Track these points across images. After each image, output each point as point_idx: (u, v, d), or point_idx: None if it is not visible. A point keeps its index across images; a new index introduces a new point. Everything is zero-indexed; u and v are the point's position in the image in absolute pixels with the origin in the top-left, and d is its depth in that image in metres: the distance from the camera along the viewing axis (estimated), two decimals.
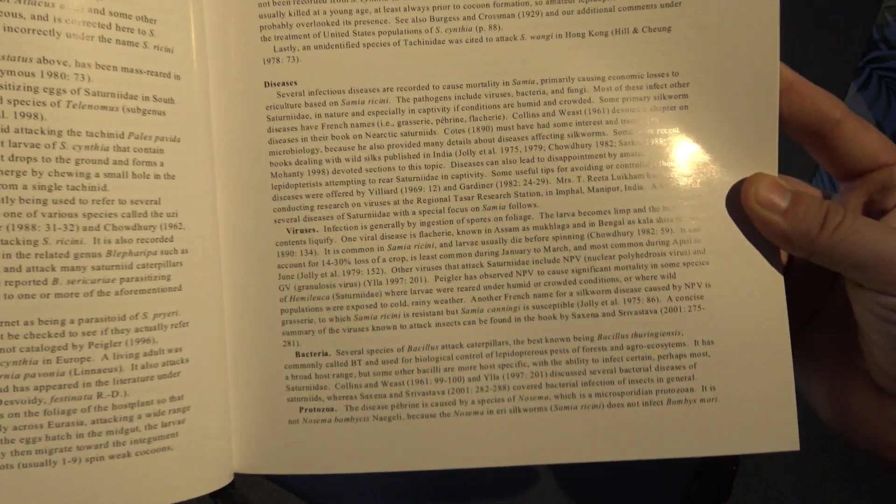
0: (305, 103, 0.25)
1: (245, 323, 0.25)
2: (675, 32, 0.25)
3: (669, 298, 0.25)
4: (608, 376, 0.25)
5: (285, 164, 0.25)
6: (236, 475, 0.25)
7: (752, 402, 0.25)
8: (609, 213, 0.25)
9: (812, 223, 0.23)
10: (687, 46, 0.25)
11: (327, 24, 0.25)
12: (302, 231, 0.25)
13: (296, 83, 0.25)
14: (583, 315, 0.25)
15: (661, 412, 0.25)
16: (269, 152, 0.25)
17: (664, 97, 0.25)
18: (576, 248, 0.25)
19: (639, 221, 0.25)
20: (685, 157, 0.25)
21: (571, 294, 0.25)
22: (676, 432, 0.25)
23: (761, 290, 0.25)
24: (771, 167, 0.25)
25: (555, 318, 0.25)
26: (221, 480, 0.25)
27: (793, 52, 0.43)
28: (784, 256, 0.27)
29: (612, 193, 0.25)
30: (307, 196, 0.25)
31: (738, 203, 0.25)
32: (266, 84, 0.25)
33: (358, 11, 0.25)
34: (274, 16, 0.25)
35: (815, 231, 0.23)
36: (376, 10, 0.25)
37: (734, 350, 0.25)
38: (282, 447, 0.25)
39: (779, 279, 0.25)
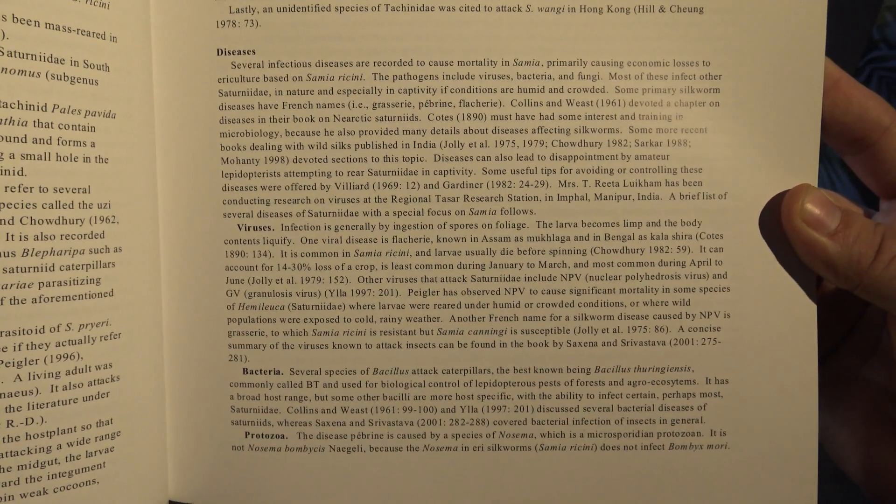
0: (265, 77, 0.21)
1: (186, 334, 0.22)
2: (707, 15, 0.21)
3: (681, 329, 0.22)
4: (604, 414, 0.22)
5: (238, 148, 0.21)
6: (171, 503, 0.22)
7: (767, 454, 0.22)
8: (618, 225, 0.21)
9: (865, 250, 0.20)
10: (721, 32, 0.21)
11: None
12: (255, 228, 0.21)
13: (254, 52, 0.21)
14: (579, 343, 0.22)
15: (663, 458, 0.22)
16: (219, 133, 0.21)
17: (692, 90, 0.21)
18: (576, 265, 0.21)
19: (651, 237, 0.21)
20: (712, 163, 0.21)
21: (567, 318, 0.21)
22: (678, 481, 0.22)
23: (789, 324, 0.21)
24: (812, 178, 0.21)
25: (546, 345, 0.22)
26: None
27: None
28: None
29: (623, 202, 0.21)
30: (263, 188, 0.21)
31: (772, 219, 0.21)
32: (219, 52, 0.21)
33: None
34: None
35: (868, 260, 0.20)
36: None
37: (751, 392, 0.22)
38: (224, 476, 0.22)
39: (811, 313, 0.21)
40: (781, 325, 0.21)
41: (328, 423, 0.22)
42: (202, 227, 0.21)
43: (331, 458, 0.22)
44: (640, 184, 0.21)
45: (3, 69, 0.17)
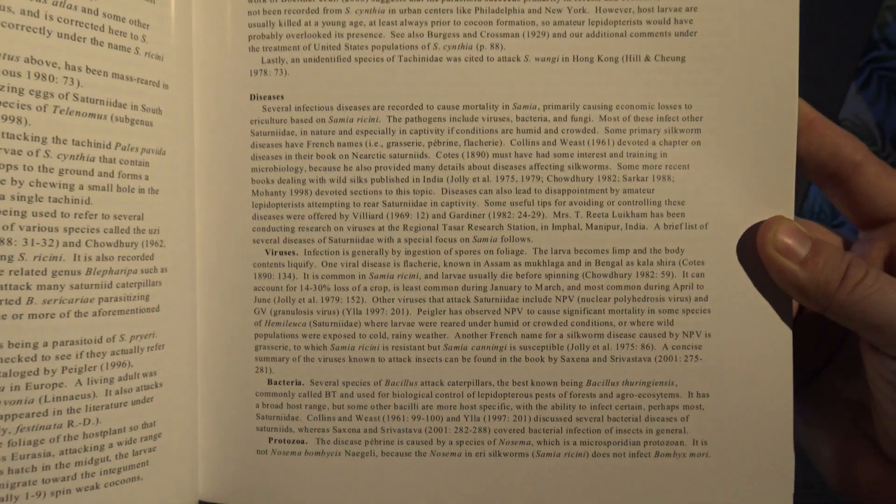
0: (291, 119, 0.24)
1: (218, 346, 0.24)
2: (689, 63, 0.23)
3: (665, 346, 0.24)
4: (595, 424, 0.24)
5: (267, 181, 0.24)
6: (200, 502, 0.24)
7: (745, 462, 0.24)
8: (607, 252, 0.24)
9: (832, 276, 0.22)
10: (701, 78, 0.23)
11: (319, 35, 0.24)
12: (281, 253, 0.24)
13: (282, 97, 0.24)
14: (572, 359, 0.24)
15: (649, 465, 0.24)
16: (251, 169, 0.24)
17: (675, 130, 0.24)
18: (569, 288, 0.24)
19: (638, 263, 0.24)
20: (694, 197, 0.24)
21: (561, 336, 0.24)
22: (663, 486, 0.24)
23: (766, 344, 0.23)
24: (788, 210, 0.24)
25: (542, 360, 0.24)
26: None
27: None
28: (795, 307, 0.25)
29: (612, 232, 0.24)
30: (288, 217, 0.24)
31: (749, 248, 0.23)
32: (252, 97, 0.24)
33: (352, 24, 0.24)
34: (263, 25, 0.24)
35: (834, 285, 0.22)
36: (371, 23, 0.24)
37: (731, 406, 0.24)
38: (249, 478, 0.24)
39: (787, 334, 0.23)
40: (759, 343, 0.23)
41: (344, 429, 0.24)
42: (234, 252, 0.24)
43: (346, 462, 0.24)
44: (627, 215, 0.24)
45: (77, 112, 0.20)
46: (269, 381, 0.24)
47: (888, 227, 0.24)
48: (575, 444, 0.24)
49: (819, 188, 0.25)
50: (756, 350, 0.23)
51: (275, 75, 0.24)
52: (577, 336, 0.24)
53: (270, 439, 0.24)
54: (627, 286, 0.24)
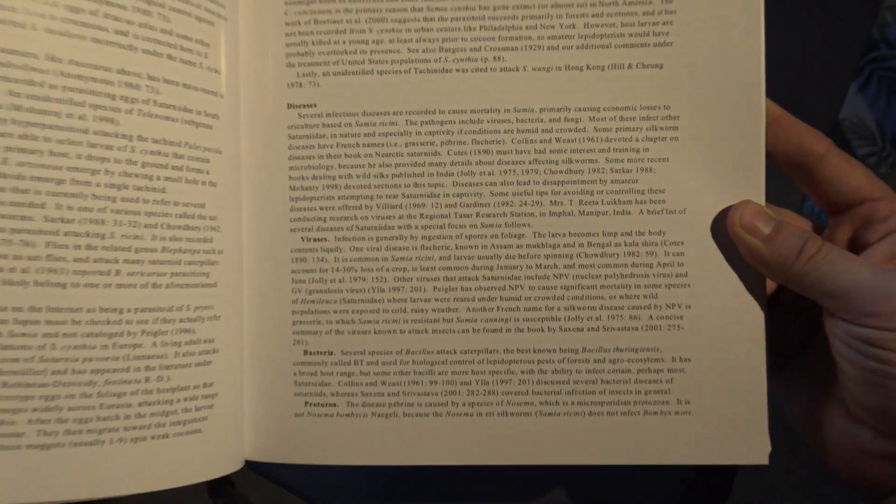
0: (323, 124, 0.28)
1: (261, 321, 0.28)
2: (666, 69, 0.27)
3: (650, 317, 0.27)
4: (590, 386, 0.27)
5: (302, 178, 0.28)
6: (246, 462, 0.28)
7: (724, 418, 0.27)
8: (597, 235, 0.27)
9: (790, 251, 0.25)
10: (678, 82, 0.27)
11: (346, 52, 0.28)
12: (315, 240, 0.28)
13: (315, 105, 0.28)
14: (569, 329, 0.27)
15: (638, 422, 0.27)
16: (288, 167, 0.28)
17: (655, 128, 0.27)
18: (565, 267, 0.27)
19: (625, 244, 0.27)
20: (673, 185, 0.27)
21: (559, 309, 0.27)
22: (651, 441, 0.27)
23: (740, 313, 0.27)
24: (758, 196, 0.27)
25: (543, 330, 0.27)
26: (234, 466, 0.27)
27: (793, 52, 0.43)
28: (771, 286, 0.28)
29: (601, 217, 0.27)
30: (321, 208, 0.28)
31: (722, 229, 0.27)
32: (289, 106, 0.28)
33: (374, 42, 0.27)
34: (299, 45, 0.28)
35: (792, 259, 0.25)
36: (390, 41, 0.27)
37: (710, 368, 0.27)
38: (288, 438, 0.28)
39: (758, 304, 0.27)
40: (733, 312, 0.27)
41: (370, 394, 0.27)
42: (275, 239, 0.28)
43: (372, 423, 0.28)
44: (614, 202, 0.27)
45: (156, 115, 0.24)
46: (305, 352, 0.28)
47: (852, 211, 0.27)
48: (572, 404, 0.27)
49: (790, 178, 0.28)
50: (731, 318, 0.27)
51: (308, 87, 0.28)
52: (573, 309, 0.27)
53: (306, 403, 0.28)
54: (616, 264, 0.27)
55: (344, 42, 0.28)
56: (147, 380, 0.24)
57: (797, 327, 0.29)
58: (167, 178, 0.24)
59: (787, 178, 0.28)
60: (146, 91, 0.24)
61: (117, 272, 0.23)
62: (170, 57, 0.24)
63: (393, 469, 0.35)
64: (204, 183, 0.25)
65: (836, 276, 0.24)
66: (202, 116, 0.25)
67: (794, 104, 0.40)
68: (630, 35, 0.27)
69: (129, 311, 0.23)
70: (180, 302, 0.25)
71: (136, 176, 0.24)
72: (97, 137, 0.23)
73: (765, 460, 0.27)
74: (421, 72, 0.27)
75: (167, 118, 0.24)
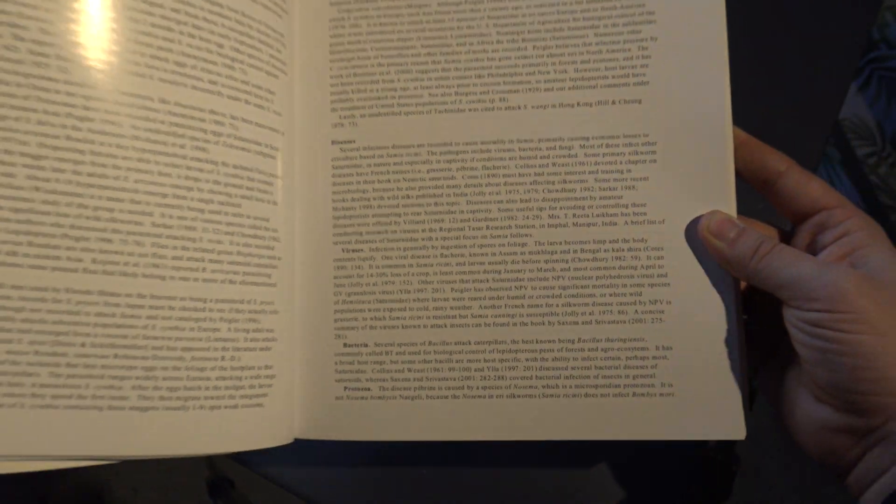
0: (360, 156, 0.34)
1: (309, 318, 0.33)
2: (644, 104, 0.32)
3: (636, 312, 0.31)
4: (585, 372, 0.31)
5: (343, 200, 0.34)
6: (295, 440, 0.33)
7: (703, 398, 0.31)
8: (589, 243, 0.32)
9: (748, 251, 0.29)
10: (655, 114, 0.32)
11: (378, 98, 0.34)
12: (353, 251, 0.33)
13: (354, 142, 0.34)
14: (566, 322, 0.32)
15: (628, 402, 0.31)
16: (332, 192, 0.34)
17: (637, 153, 0.32)
18: (561, 270, 0.32)
19: (613, 250, 0.32)
20: (653, 200, 0.32)
21: (557, 306, 0.32)
22: (640, 419, 0.31)
23: (714, 306, 0.31)
24: (727, 208, 0.31)
25: (543, 324, 0.32)
26: (286, 440, 0.32)
27: (793, 52, 0.45)
28: (744, 286, 0.32)
29: (592, 228, 0.32)
30: (358, 225, 0.33)
31: (696, 235, 0.31)
32: (333, 142, 0.34)
33: (401, 89, 0.34)
34: (341, 93, 0.34)
35: (749, 257, 0.29)
36: (414, 88, 0.34)
37: (689, 355, 0.31)
38: (330, 418, 0.33)
39: (729, 298, 0.31)
40: (708, 306, 0.31)
41: (398, 379, 0.33)
42: (320, 249, 0.34)
43: (400, 404, 0.32)
44: (603, 215, 0.32)
45: (235, 146, 0.30)
46: (345, 345, 0.33)
47: (811, 219, 0.31)
48: (570, 387, 0.32)
49: (759, 192, 0.33)
50: (706, 311, 0.31)
51: (349, 127, 0.34)
52: (569, 305, 0.32)
53: (345, 388, 0.33)
54: (605, 267, 0.32)
55: (377, 90, 0.34)
56: (223, 358, 0.30)
57: (771, 329, 0.33)
58: (242, 196, 0.30)
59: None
60: (229, 127, 0.30)
61: (203, 269, 0.29)
62: (246, 101, 0.31)
63: (392, 469, 0.38)
64: (268, 202, 0.32)
65: (785, 270, 0.28)
66: (268, 149, 0.32)
67: (795, 104, 0.43)
68: (613, 77, 0.33)
69: (211, 301, 0.29)
70: (249, 296, 0.30)
71: (220, 193, 0.30)
72: (193, 162, 0.29)
73: (740, 436, 0.30)
74: (440, 112, 0.33)
75: (243, 149, 0.31)
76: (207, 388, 0.29)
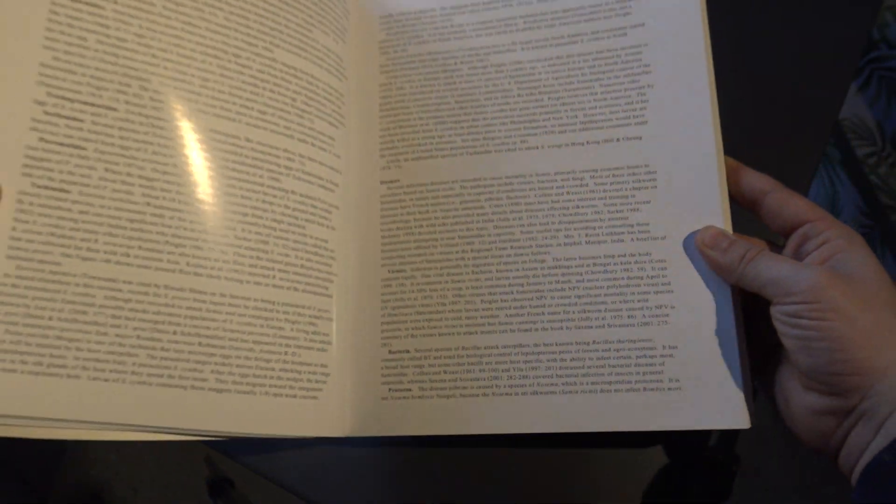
0: (404, 192, 0.40)
1: (360, 328, 0.39)
2: (644, 140, 0.38)
3: (644, 316, 0.35)
4: (600, 370, 0.35)
5: (389, 228, 0.40)
6: (346, 438, 0.38)
7: (708, 391, 0.34)
8: (600, 258, 0.37)
9: (736, 257, 0.34)
10: (654, 148, 0.37)
11: (419, 145, 0.40)
12: (397, 271, 0.39)
13: (399, 181, 0.40)
14: (581, 327, 0.36)
15: (639, 396, 0.35)
16: (380, 221, 0.40)
17: (639, 181, 0.37)
18: (577, 282, 0.37)
19: (621, 263, 0.36)
20: (655, 219, 0.37)
21: (574, 312, 0.36)
22: (651, 411, 0.34)
23: (713, 309, 0.35)
24: (720, 223, 0.36)
25: (562, 328, 0.36)
26: (338, 432, 0.37)
27: (793, 51, 0.47)
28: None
29: (602, 245, 0.37)
30: (401, 249, 0.39)
31: (693, 248, 0.36)
32: (381, 182, 0.41)
33: (438, 136, 0.40)
34: (388, 142, 0.41)
35: (738, 262, 0.33)
36: (449, 136, 0.40)
37: (693, 353, 0.35)
38: (376, 416, 0.37)
39: (726, 300, 0.35)
40: (707, 308, 0.35)
41: (435, 381, 0.37)
42: (371, 269, 0.39)
43: (437, 402, 0.37)
44: (612, 234, 0.37)
45: (303, 179, 0.37)
46: (390, 351, 0.38)
47: (797, 231, 0.35)
48: (587, 384, 0.35)
49: (751, 209, 0.37)
50: (706, 313, 0.35)
51: (394, 169, 0.40)
52: (584, 312, 0.36)
53: (390, 389, 0.38)
54: (615, 278, 0.36)
55: (418, 138, 0.41)
56: (285, 353, 0.35)
57: (768, 333, 0.36)
58: (306, 220, 0.37)
59: (785, 183, 0.36)
60: (298, 163, 0.37)
61: (273, 276, 0.36)
62: (312, 144, 0.38)
63: (391, 470, 0.40)
64: (328, 227, 0.38)
65: (767, 271, 0.32)
66: (329, 184, 0.38)
67: (795, 104, 0.45)
68: (616, 119, 0.38)
69: (278, 303, 0.35)
70: (309, 303, 0.36)
71: (289, 216, 0.36)
72: (268, 189, 0.36)
73: (745, 424, 0.33)
74: (470, 154, 0.40)
75: (308, 181, 0.37)
76: (271, 378, 0.35)
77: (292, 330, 0.36)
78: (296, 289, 0.36)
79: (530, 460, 0.40)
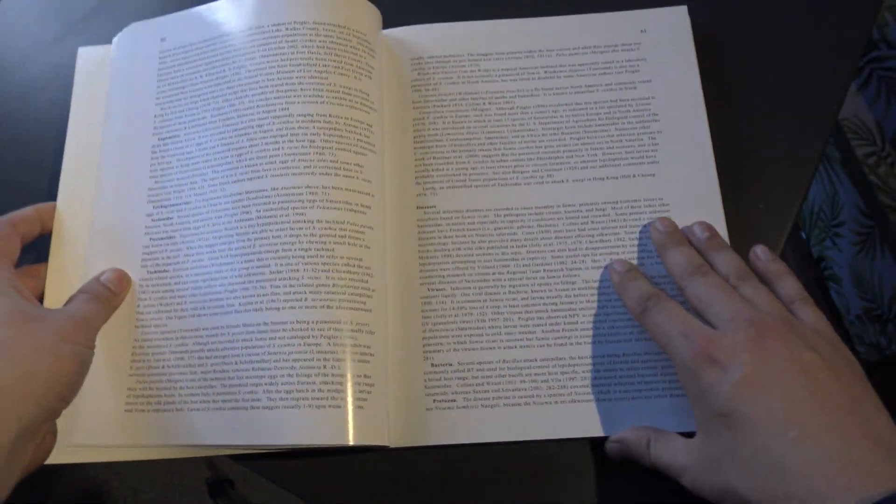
0: (440, 217, 0.43)
1: (402, 343, 0.41)
2: (657, 177, 0.43)
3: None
4: (630, 379, 0.39)
5: (427, 252, 0.42)
6: (386, 448, 0.39)
7: None
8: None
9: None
10: (666, 183, 0.43)
11: (453, 175, 0.44)
12: (437, 290, 0.42)
13: (435, 207, 0.43)
14: (611, 341, 0.40)
15: (666, 402, 0.39)
16: (418, 246, 0.43)
17: (655, 211, 0.42)
18: (605, 301, 0.41)
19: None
20: None
21: (603, 328, 0.40)
22: (677, 415, 0.38)
23: None
24: (724, 236, 0.41)
25: (593, 343, 0.40)
26: (381, 441, 0.38)
27: (793, 51, 0.47)
28: None
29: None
30: (440, 269, 0.42)
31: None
32: (418, 207, 0.43)
33: (471, 169, 0.44)
34: (423, 171, 0.44)
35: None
36: (481, 168, 0.44)
37: None
38: (421, 426, 0.39)
39: None
40: None
41: (478, 391, 0.40)
42: (410, 288, 0.42)
43: (481, 412, 0.39)
44: (633, 257, 0.41)
45: (327, 207, 0.39)
46: (432, 364, 0.40)
47: None
48: (619, 392, 0.39)
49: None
50: None
51: (430, 196, 0.44)
52: (614, 327, 0.40)
53: (434, 400, 0.40)
54: None
55: (451, 169, 0.44)
56: (324, 367, 0.37)
57: None
58: (335, 243, 0.39)
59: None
60: (321, 195, 0.40)
61: (305, 299, 0.38)
62: (336, 175, 0.40)
63: (391, 470, 0.40)
64: (361, 246, 0.40)
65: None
66: (359, 207, 0.41)
67: (795, 104, 0.47)
68: (632, 158, 0.44)
69: (313, 322, 0.37)
70: (346, 318, 0.38)
71: (315, 243, 0.39)
72: (294, 224, 0.39)
73: None
74: (501, 185, 0.44)
75: (335, 209, 0.40)
76: (313, 391, 0.36)
77: (329, 345, 0.37)
78: (329, 307, 0.38)
79: (531, 460, 0.41)
